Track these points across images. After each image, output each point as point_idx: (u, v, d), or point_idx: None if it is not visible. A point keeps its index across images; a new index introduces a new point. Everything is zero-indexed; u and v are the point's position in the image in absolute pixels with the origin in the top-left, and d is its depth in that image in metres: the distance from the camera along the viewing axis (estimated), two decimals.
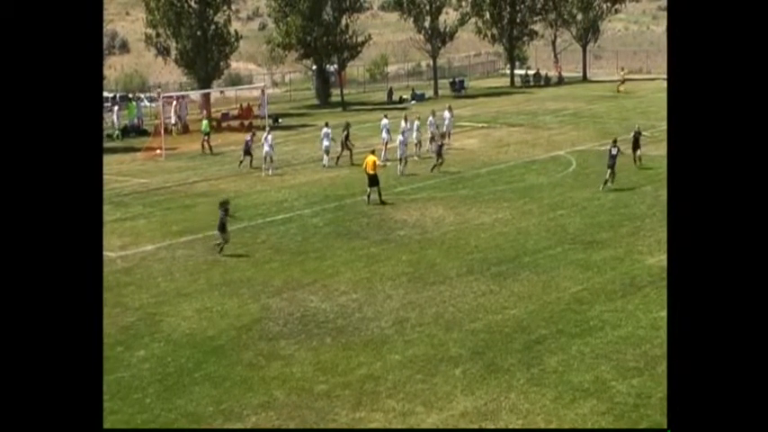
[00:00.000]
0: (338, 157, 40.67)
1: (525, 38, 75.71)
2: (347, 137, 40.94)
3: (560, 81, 75.39)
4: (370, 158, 33.38)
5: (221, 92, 65.87)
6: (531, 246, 26.92)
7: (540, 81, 75.43)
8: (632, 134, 37.41)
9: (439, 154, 38.02)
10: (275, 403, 16.82)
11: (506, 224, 29.66)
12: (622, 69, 68.73)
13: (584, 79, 76.26)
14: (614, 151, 34.36)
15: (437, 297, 22.64)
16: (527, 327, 20.50)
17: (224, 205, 26.45)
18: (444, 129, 44.39)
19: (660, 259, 24.97)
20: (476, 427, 15.79)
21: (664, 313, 20.85)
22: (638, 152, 36.22)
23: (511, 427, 15.83)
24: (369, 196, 32.73)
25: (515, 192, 34.48)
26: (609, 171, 33.99)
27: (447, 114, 45.72)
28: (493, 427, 15.80)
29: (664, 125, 47.10)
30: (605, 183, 33.81)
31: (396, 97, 67.16)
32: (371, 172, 32.87)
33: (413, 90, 68.23)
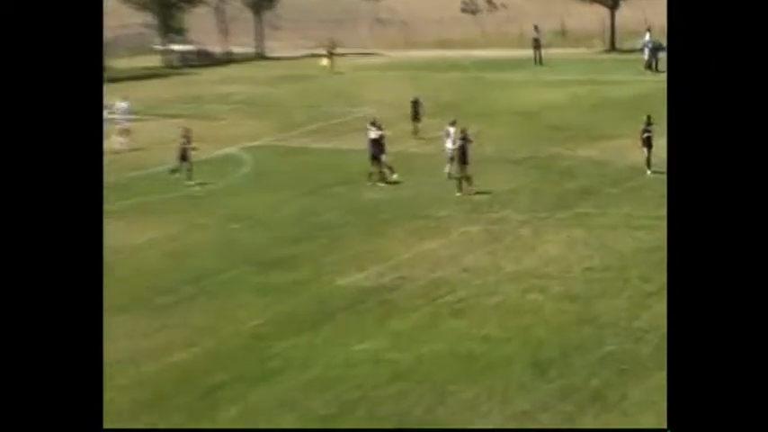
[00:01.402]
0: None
1: (183, 4, 75.15)
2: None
3: (230, 59, 75.63)
4: None
5: None
6: (203, 268, 27.37)
7: (204, 59, 75.30)
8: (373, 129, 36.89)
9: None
10: None
11: (175, 241, 30.04)
12: (327, 44, 68.66)
13: (260, 56, 76.86)
14: (373, 135, 35.35)
15: None
16: (201, 371, 20.73)
17: None
18: (122, 123, 44.40)
19: (355, 279, 26.07)
20: None
21: (362, 345, 21.82)
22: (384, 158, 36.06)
23: None
24: None
25: (185, 201, 34.91)
26: (375, 163, 35.06)
27: (123, 105, 45.49)
28: None
29: (358, 111, 48.45)
30: (370, 176, 35.01)
31: None
32: None
33: None
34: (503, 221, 31.09)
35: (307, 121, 48.10)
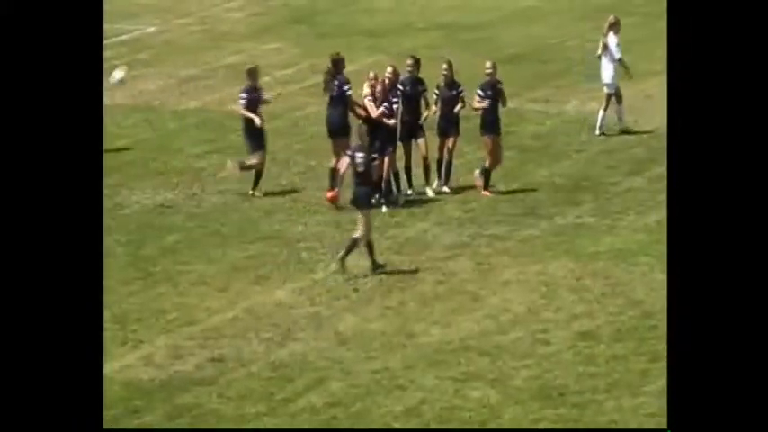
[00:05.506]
0: None
1: None
2: None
3: None
4: None
5: None
6: None
7: None
8: None
9: None
10: None
11: None
12: None
13: None
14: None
15: None
16: None
17: None
18: None
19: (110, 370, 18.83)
20: None
21: None
22: None
23: None
24: None
25: None
26: None
27: None
28: None
29: (134, 29, 34.80)
30: None
31: None
32: None
33: None
34: (416, 246, 21.76)
35: None
